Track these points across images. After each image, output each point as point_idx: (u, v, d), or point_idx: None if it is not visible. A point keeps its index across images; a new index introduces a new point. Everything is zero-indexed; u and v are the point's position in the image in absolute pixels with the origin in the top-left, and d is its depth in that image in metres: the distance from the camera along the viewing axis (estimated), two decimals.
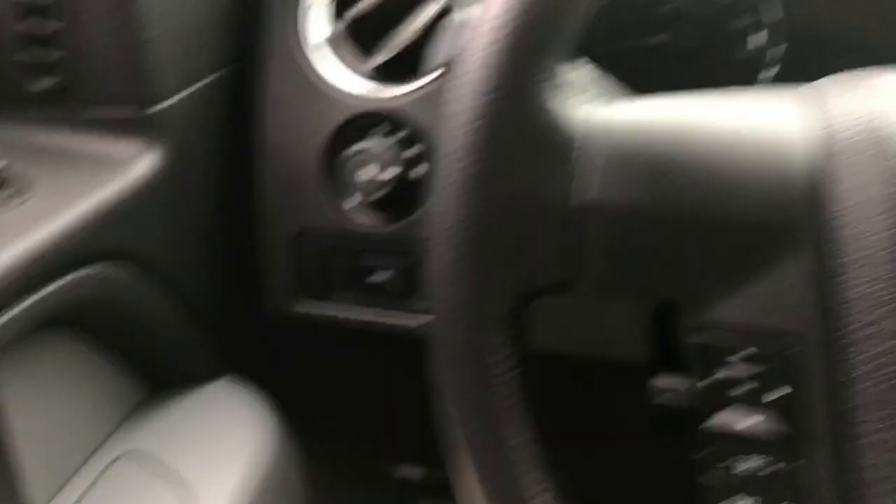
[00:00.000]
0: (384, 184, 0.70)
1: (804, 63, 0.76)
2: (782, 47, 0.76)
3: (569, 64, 0.39)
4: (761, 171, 0.37)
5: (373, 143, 0.71)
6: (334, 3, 0.74)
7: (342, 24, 0.73)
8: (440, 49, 0.55)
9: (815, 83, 0.42)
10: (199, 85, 0.69)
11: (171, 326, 0.68)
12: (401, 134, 0.71)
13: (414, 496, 1.10)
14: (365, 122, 0.72)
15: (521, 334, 0.39)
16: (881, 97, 0.38)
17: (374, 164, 0.70)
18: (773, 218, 0.37)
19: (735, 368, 0.38)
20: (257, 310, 0.78)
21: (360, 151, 0.71)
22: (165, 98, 0.65)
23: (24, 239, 0.53)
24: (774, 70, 0.77)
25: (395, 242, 0.73)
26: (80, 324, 0.64)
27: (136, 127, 0.64)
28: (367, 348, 0.81)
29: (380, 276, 0.74)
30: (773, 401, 0.37)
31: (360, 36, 0.74)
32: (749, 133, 0.38)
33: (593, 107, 0.39)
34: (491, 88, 0.36)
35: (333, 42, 0.73)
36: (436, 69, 0.71)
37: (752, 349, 0.37)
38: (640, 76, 0.79)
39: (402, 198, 0.72)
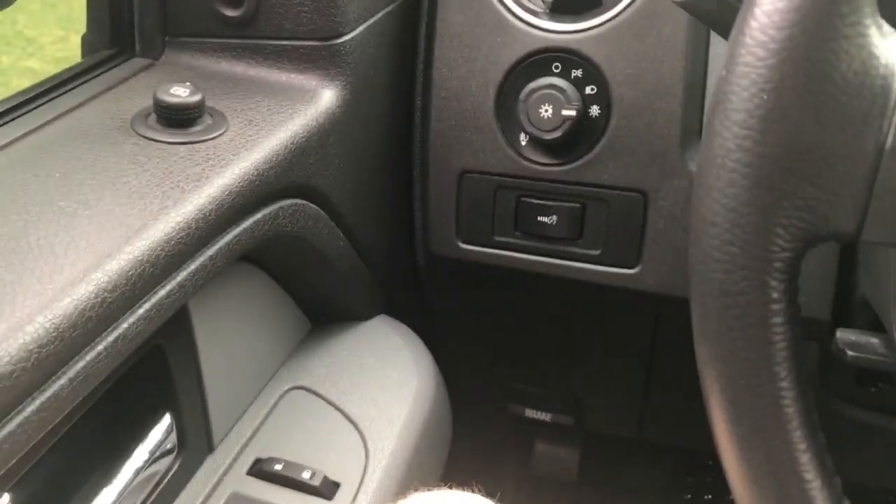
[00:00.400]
0: (563, 121, 0.68)
1: None
2: None
3: None
4: None
5: (553, 80, 0.69)
6: None
7: None
8: None
9: None
10: (377, 16, 0.68)
11: (339, 263, 0.68)
12: (577, 72, 0.69)
13: (532, 437, 1.10)
14: (542, 58, 0.70)
15: (797, 282, 0.38)
16: None
17: (554, 101, 0.68)
18: None
19: None
20: (413, 249, 0.77)
21: (541, 87, 0.69)
22: (349, 30, 0.64)
23: (227, 172, 0.53)
24: None
25: (563, 185, 0.72)
26: (265, 258, 0.64)
27: (322, 58, 0.63)
28: (525, 291, 0.80)
29: (545, 220, 0.72)
30: None
31: None
32: None
33: (892, 42, 0.36)
34: (796, 20, 0.34)
35: None
36: (616, 5, 0.68)
37: None
38: None
39: (575, 139, 0.70)
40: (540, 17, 0.70)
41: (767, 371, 0.38)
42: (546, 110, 0.68)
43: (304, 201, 0.61)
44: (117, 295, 0.44)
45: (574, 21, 0.69)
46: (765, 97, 0.35)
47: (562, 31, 0.69)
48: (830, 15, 0.34)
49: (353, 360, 0.71)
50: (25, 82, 0.59)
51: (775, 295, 0.37)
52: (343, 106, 0.65)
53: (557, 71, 0.70)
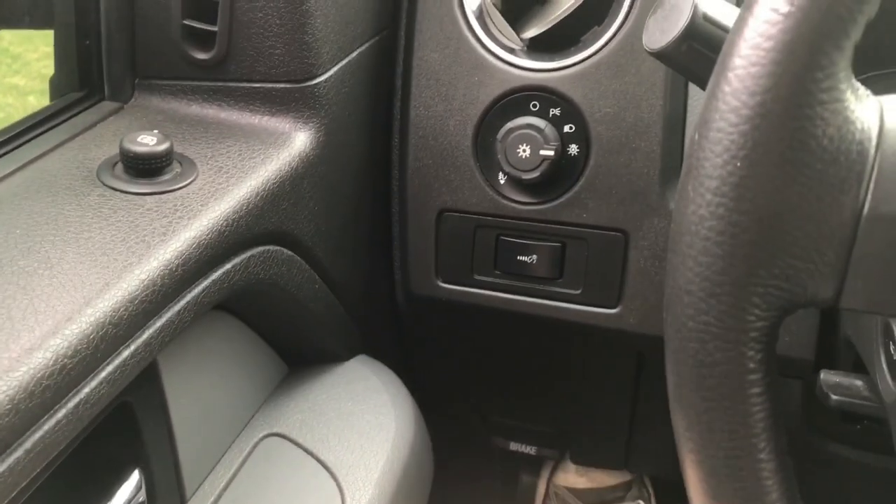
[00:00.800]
0: (541, 162, 0.67)
1: None
2: None
3: (851, 48, 0.35)
4: None
5: (531, 120, 0.68)
6: None
7: None
8: (648, 26, 0.52)
9: None
10: (352, 56, 0.67)
11: (315, 307, 0.66)
12: (555, 111, 0.68)
13: (517, 470, 1.09)
14: (520, 97, 0.69)
15: (774, 349, 0.37)
16: None
17: (532, 141, 0.67)
18: None
19: None
20: (392, 289, 0.76)
21: (518, 127, 0.68)
22: (323, 71, 0.63)
23: (195, 223, 0.52)
24: None
25: (542, 224, 0.71)
26: (237, 305, 0.63)
27: (295, 100, 0.62)
28: (506, 330, 0.79)
29: (525, 259, 0.71)
30: None
31: (514, 5, 0.70)
32: None
33: (872, 102, 0.35)
34: (768, 86, 0.33)
35: (488, 11, 0.70)
36: (594, 43, 0.68)
37: None
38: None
39: (554, 178, 0.69)
40: (517, 56, 0.70)
41: (746, 443, 0.37)
42: (524, 150, 0.67)
43: (276, 247, 0.60)
44: (77, 360, 0.42)
45: (552, 59, 0.69)
46: (738, 164, 0.34)
47: (539, 69, 0.69)
48: (805, 80, 0.33)
49: (331, 405, 0.70)
50: (10, 99, 0.58)
51: (752, 365, 0.36)
52: (317, 148, 0.63)
53: (535, 110, 0.69)
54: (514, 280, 0.73)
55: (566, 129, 0.68)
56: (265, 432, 0.67)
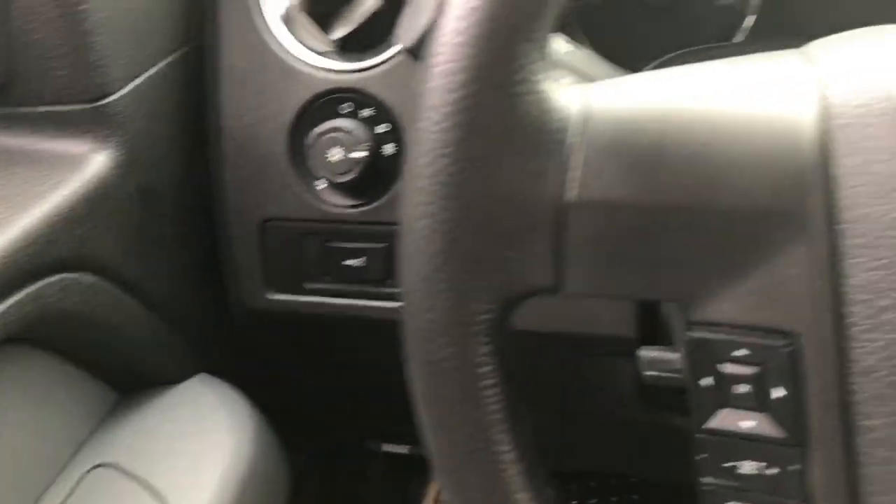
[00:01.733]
0: (354, 164, 0.67)
1: (780, 10, 0.74)
2: None
3: (549, 44, 0.35)
4: (757, 156, 0.34)
5: (340, 122, 0.67)
6: None
7: None
8: (402, 23, 0.52)
9: (807, 47, 0.39)
10: (152, 71, 0.65)
11: (136, 331, 0.65)
12: (367, 111, 0.68)
13: (398, 473, 1.09)
14: (330, 99, 0.68)
15: (507, 339, 0.37)
16: (879, 64, 0.36)
17: (343, 144, 0.67)
18: (772, 204, 0.34)
19: (734, 367, 0.35)
20: (227, 304, 0.75)
21: (327, 131, 0.67)
22: (116, 89, 0.61)
23: None
24: (750, 19, 0.74)
25: (367, 226, 0.70)
26: (40, 336, 0.61)
27: (87, 122, 0.60)
28: (342, 335, 0.78)
29: (353, 262, 0.71)
30: (774, 401, 0.35)
31: (322, 7, 0.70)
32: (742, 115, 0.35)
33: (575, 93, 0.36)
34: (464, 81, 0.33)
35: (291, 16, 0.69)
36: (398, 44, 0.67)
37: (750, 348, 0.35)
38: (616, 31, 0.76)
39: (372, 179, 0.69)
40: (326, 58, 0.69)
41: (483, 437, 0.37)
42: (335, 153, 0.67)
43: (75, 274, 0.58)
44: None
45: (360, 59, 0.68)
46: (442, 162, 0.34)
47: (348, 70, 0.68)
48: (497, 74, 0.33)
49: (163, 428, 0.68)
50: None
51: (481, 359, 0.36)
52: (118, 168, 0.62)
53: (348, 111, 0.68)
54: (344, 284, 0.72)
55: (380, 128, 0.68)
56: (93, 463, 0.65)
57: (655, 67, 0.73)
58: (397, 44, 0.67)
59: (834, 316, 0.34)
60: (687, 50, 0.70)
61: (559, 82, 0.35)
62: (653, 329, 0.70)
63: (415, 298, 0.36)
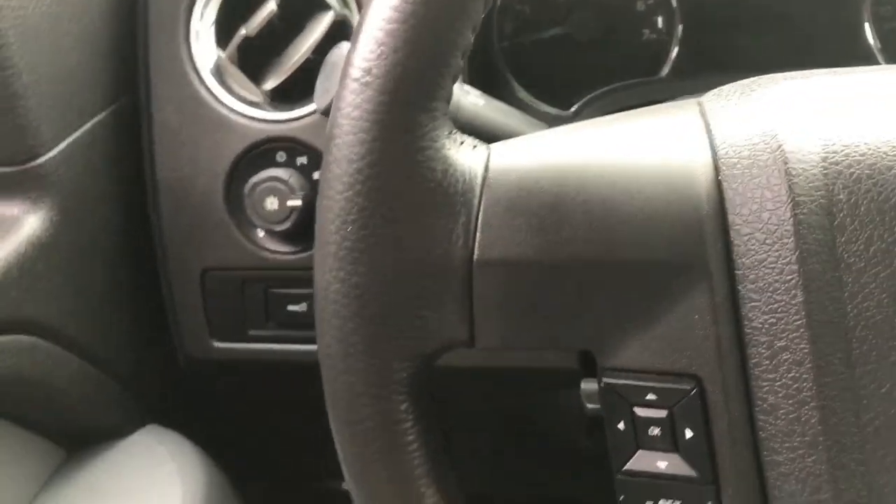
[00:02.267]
0: (290, 212, 0.67)
1: (704, 42, 0.76)
2: (679, 28, 0.76)
3: (448, 106, 0.37)
4: (654, 209, 0.36)
5: (275, 171, 0.68)
6: (219, 27, 0.71)
7: (232, 48, 0.69)
8: (318, 84, 0.53)
9: (703, 98, 0.41)
10: (83, 129, 0.66)
11: (80, 388, 0.65)
12: (302, 159, 0.69)
13: None
14: (266, 148, 0.69)
15: (426, 394, 0.38)
16: (769, 113, 0.37)
17: (278, 193, 0.67)
18: (670, 255, 0.36)
19: (646, 411, 0.37)
20: (173, 354, 0.75)
21: (263, 180, 0.68)
22: (47, 150, 0.62)
23: None
24: (675, 51, 0.76)
25: (308, 271, 0.70)
26: None
27: (18, 184, 0.61)
28: (289, 379, 0.79)
29: (296, 308, 0.71)
30: (685, 441, 0.36)
31: (252, 59, 0.71)
32: (638, 168, 0.37)
33: (476, 154, 0.37)
34: (362, 153, 0.34)
35: (222, 68, 0.70)
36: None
37: (659, 392, 0.36)
38: (546, 68, 0.78)
39: (310, 225, 0.69)
40: (260, 108, 0.70)
41: (410, 491, 0.37)
42: (272, 202, 0.67)
43: (13, 336, 0.58)
44: None
45: (293, 108, 0.69)
46: (349, 229, 0.35)
47: (281, 119, 0.69)
48: (394, 143, 0.35)
49: (111, 483, 0.68)
50: None
51: (401, 415, 0.37)
52: (51, 228, 0.62)
53: (283, 160, 0.69)
54: (288, 330, 0.73)
55: (316, 176, 0.69)
56: None
57: (584, 104, 0.75)
58: (314, 104, 0.68)
59: (736, 358, 0.35)
60: (613, 86, 0.72)
61: (460, 145, 0.36)
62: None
63: (331, 361, 0.36)
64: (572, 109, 0.75)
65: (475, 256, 0.36)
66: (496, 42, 0.77)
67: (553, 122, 0.64)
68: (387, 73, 0.34)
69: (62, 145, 0.63)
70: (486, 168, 0.36)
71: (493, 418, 0.90)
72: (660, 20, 0.76)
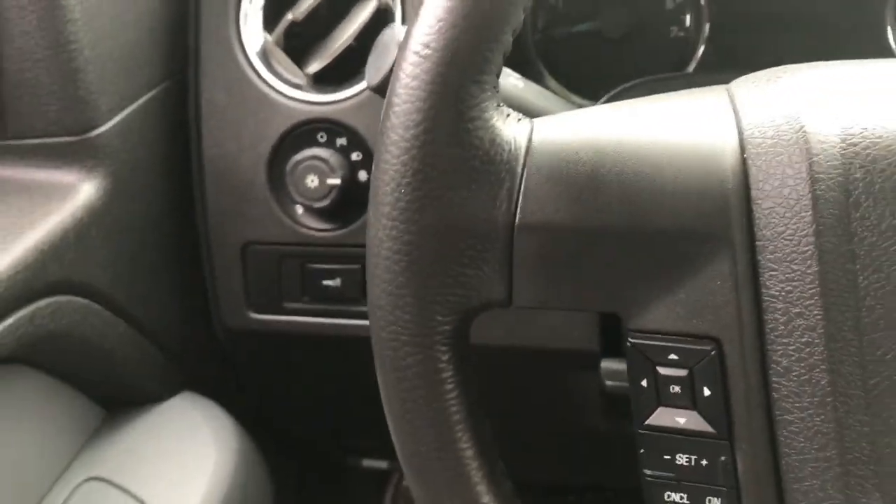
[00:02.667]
0: (330, 190, 0.71)
1: (730, 41, 0.79)
2: (706, 27, 0.78)
3: (496, 83, 0.40)
4: (683, 182, 0.39)
5: (316, 151, 0.72)
6: (267, 11, 0.74)
7: (279, 32, 0.73)
8: (369, 62, 0.56)
9: (732, 84, 0.44)
10: (137, 104, 0.69)
11: (124, 351, 0.68)
12: (341, 140, 0.72)
13: (379, 486, 1.12)
14: (308, 129, 0.73)
15: (465, 348, 0.41)
16: (793, 97, 0.40)
17: (318, 171, 0.71)
18: (697, 225, 0.38)
19: (668, 370, 0.39)
20: (211, 324, 0.78)
21: (304, 159, 0.71)
22: (103, 122, 0.65)
23: None
24: (702, 49, 0.79)
25: (343, 248, 0.74)
26: (33, 357, 0.64)
27: (75, 153, 0.64)
28: (322, 353, 0.82)
29: (330, 283, 0.75)
30: (703, 399, 0.39)
31: (297, 43, 0.74)
32: (670, 145, 0.39)
33: (521, 127, 0.40)
34: (419, 120, 0.37)
35: (270, 50, 0.74)
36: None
37: (681, 352, 0.39)
38: (577, 61, 0.81)
39: (348, 203, 0.73)
40: (303, 90, 0.73)
41: (447, 437, 0.40)
42: (312, 180, 0.71)
43: (67, 297, 0.62)
44: None
45: (334, 92, 0.72)
46: (402, 191, 0.38)
47: (323, 101, 0.72)
48: (449, 113, 0.38)
49: (150, 444, 0.71)
50: None
51: (442, 365, 0.40)
52: (105, 197, 0.65)
53: (323, 141, 0.72)
54: (322, 304, 0.76)
55: (354, 156, 0.72)
56: (83, 477, 0.68)
57: (612, 97, 0.78)
58: (355, 87, 0.72)
59: (754, 323, 0.38)
60: (642, 80, 0.75)
61: (506, 117, 0.40)
62: (616, 343, 0.74)
63: (381, 312, 0.40)
64: (601, 101, 0.78)
65: (517, 221, 0.39)
66: (530, 34, 0.80)
67: None
68: (444, 47, 0.37)
69: (117, 118, 0.67)
70: (530, 140, 0.39)
71: (514, 403, 0.92)
72: (688, 18, 0.79)
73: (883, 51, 0.76)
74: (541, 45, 0.80)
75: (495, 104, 0.39)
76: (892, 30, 0.76)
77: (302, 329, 0.76)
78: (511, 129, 0.39)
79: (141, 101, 0.70)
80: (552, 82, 0.80)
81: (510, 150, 0.39)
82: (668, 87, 0.77)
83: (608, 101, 0.78)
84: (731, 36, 0.78)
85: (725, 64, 0.78)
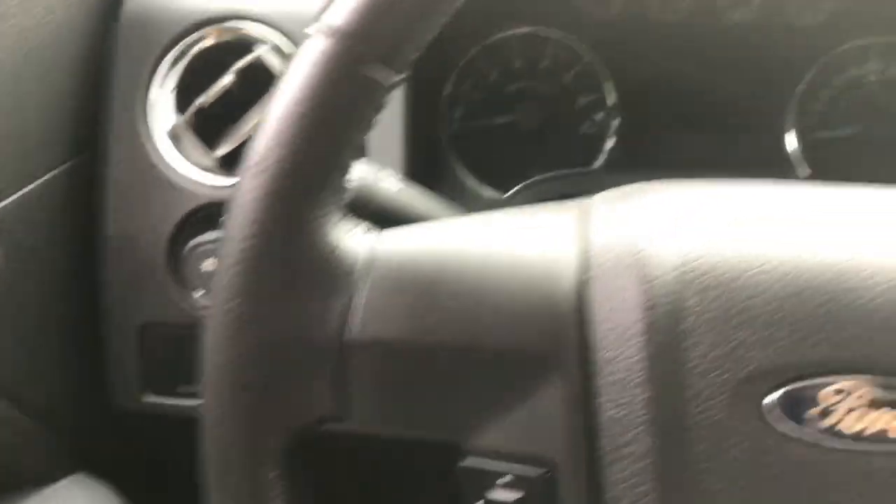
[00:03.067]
0: None
1: (637, 138, 0.80)
2: (617, 121, 0.80)
3: (339, 195, 0.40)
4: (521, 300, 0.39)
5: (217, 234, 0.71)
6: (178, 95, 0.74)
7: (187, 116, 0.73)
8: None
9: (585, 201, 0.44)
10: (37, 183, 0.69)
11: (11, 431, 0.67)
12: None
13: None
14: (210, 212, 0.72)
15: (299, 466, 0.40)
16: (639, 221, 0.41)
17: (216, 255, 0.70)
18: (531, 345, 0.38)
19: (500, 493, 0.39)
20: (105, 405, 0.77)
21: (203, 243, 0.71)
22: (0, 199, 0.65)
23: None
24: (609, 145, 0.80)
25: None
26: None
27: None
28: None
29: None
30: None
31: (212, 125, 0.74)
32: (512, 261, 0.40)
33: (364, 239, 0.40)
34: (250, 234, 0.37)
35: (178, 133, 0.74)
36: None
37: (513, 475, 0.38)
38: (491, 154, 0.82)
39: None
40: (210, 173, 0.73)
41: None
42: (209, 264, 0.70)
43: None
44: None
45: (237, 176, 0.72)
46: (235, 302, 0.38)
47: (225, 185, 0.72)
48: (281, 229, 0.38)
49: None
50: None
51: (269, 485, 0.39)
52: None
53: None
54: None
55: None
56: None
57: (520, 190, 0.79)
58: None
59: (586, 448, 0.38)
60: (543, 176, 0.76)
61: (351, 229, 0.40)
62: None
63: (209, 425, 0.39)
64: (507, 194, 0.79)
65: (350, 335, 0.38)
66: (447, 125, 0.81)
67: (487, 206, 0.68)
68: (276, 165, 0.37)
69: (16, 196, 0.66)
70: (371, 252, 0.39)
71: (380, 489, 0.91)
72: (598, 115, 0.80)
73: (783, 153, 0.78)
74: (456, 137, 0.81)
75: (335, 219, 0.39)
76: (796, 132, 0.78)
77: (192, 413, 0.75)
78: (353, 241, 0.39)
79: (41, 180, 0.69)
80: (464, 174, 0.81)
81: (350, 262, 0.39)
82: (573, 184, 0.79)
83: (514, 194, 0.79)
84: (639, 134, 0.80)
85: (633, 160, 0.80)
